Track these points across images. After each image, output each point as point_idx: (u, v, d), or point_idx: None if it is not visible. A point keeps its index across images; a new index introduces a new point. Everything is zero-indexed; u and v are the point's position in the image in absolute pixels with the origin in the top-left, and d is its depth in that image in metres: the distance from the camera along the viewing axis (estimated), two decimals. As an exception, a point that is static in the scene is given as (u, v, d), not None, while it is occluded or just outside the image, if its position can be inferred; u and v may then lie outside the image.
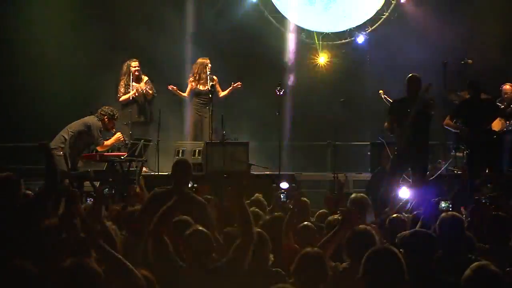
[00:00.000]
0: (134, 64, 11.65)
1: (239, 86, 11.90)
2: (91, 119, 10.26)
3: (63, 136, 10.12)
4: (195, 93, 11.91)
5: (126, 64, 11.70)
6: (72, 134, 10.10)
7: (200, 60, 11.96)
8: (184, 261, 4.60)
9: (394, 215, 6.17)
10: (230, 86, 11.92)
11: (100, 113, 10.28)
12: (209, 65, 11.82)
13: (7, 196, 5.17)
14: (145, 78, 11.75)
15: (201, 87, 11.83)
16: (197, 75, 11.84)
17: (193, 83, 11.88)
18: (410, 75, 9.48)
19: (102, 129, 10.24)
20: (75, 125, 10.28)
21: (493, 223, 5.71)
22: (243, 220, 4.67)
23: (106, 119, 10.25)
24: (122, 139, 10.47)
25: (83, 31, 12.89)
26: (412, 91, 9.35)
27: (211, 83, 11.64)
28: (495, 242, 5.55)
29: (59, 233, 4.80)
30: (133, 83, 11.62)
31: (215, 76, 11.92)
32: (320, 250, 4.57)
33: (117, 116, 10.44)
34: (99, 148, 10.21)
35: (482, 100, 10.28)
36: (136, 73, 11.62)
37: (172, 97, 12.04)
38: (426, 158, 9.60)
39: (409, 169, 9.48)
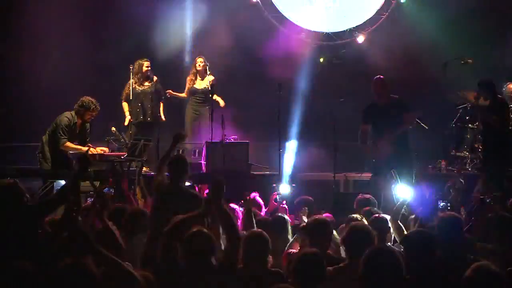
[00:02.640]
0: (147, 64, 11.62)
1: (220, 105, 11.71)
2: (63, 115, 9.83)
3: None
4: (192, 92, 11.99)
5: (137, 63, 11.64)
6: (47, 132, 9.80)
7: (196, 58, 12.08)
8: (185, 262, 4.59)
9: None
10: (220, 99, 11.70)
11: (78, 104, 9.88)
12: (203, 63, 11.89)
13: (12, 203, 5.14)
14: (155, 78, 11.71)
15: (197, 86, 11.95)
16: (194, 74, 11.98)
17: (191, 82, 12.01)
18: (378, 77, 9.23)
19: (71, 124, 9.74)
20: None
21: (496, 223, 5.71)
22: (224, 224, 4.60)
23: (82, 111, 9.85)
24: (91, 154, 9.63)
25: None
26: (383, 96, 9.12)
27: (210, 82, 11.65)
28: (498, 242, 5.55)
29: (60, 233, 4.80)
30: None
31: (213, 76, 11.95)
32: (318, 251, 4.56)
33: (93, 108, 9.86)
34: (61, 147, 9.63)
35: (496, 101, 9.90)
36: (148, 73, 11.59)
37: (173, 97, 12.03)
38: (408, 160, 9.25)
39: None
